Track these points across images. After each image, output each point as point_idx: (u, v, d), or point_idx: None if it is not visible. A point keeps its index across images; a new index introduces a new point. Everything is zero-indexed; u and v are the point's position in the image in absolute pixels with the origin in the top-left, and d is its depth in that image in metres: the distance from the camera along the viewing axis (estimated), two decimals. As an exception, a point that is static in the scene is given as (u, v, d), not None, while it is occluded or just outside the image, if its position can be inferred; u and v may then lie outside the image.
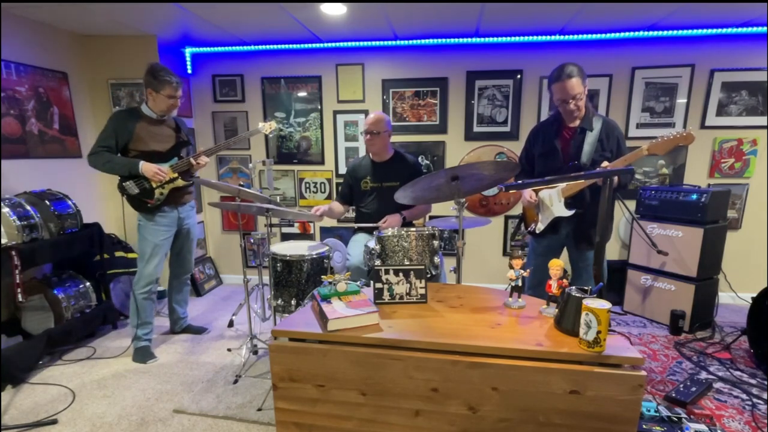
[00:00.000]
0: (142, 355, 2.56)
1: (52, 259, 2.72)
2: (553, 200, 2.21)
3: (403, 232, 2.13)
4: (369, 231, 2.51)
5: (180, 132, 2.64)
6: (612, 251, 3.60)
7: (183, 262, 2.81)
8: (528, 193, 2.27)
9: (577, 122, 2.17)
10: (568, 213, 2.15)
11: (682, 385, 2.14)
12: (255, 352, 2.51)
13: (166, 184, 2.50)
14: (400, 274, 1.56)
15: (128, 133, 2.43)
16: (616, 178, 2.02)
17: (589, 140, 2.12)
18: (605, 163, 2.01)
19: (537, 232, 2.30)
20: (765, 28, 3.04)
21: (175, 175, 2.52)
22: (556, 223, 2.24)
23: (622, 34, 3.21)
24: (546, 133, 2.27)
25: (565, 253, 2.40)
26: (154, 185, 2.46)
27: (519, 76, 3.38)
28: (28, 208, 2.46)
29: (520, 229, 2.49)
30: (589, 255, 2.25)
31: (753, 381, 2.26)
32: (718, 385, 2.23)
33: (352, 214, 2.88)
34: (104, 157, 2.40)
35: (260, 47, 3.54)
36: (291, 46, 3.52)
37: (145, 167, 2.41)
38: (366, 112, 3.60)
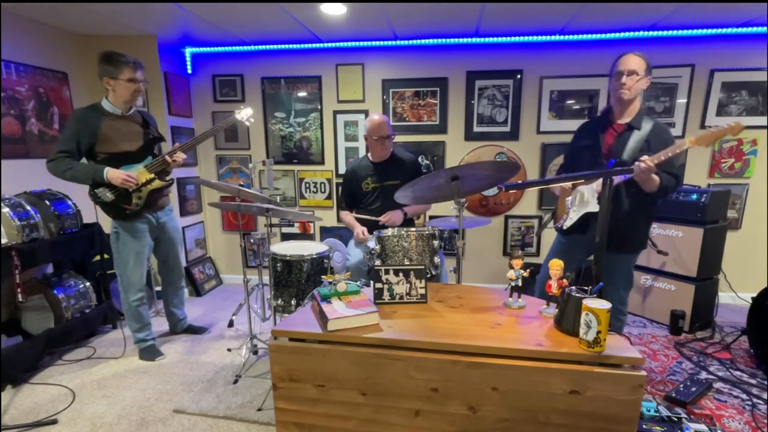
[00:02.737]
0: (150, 353, 2.56)
1: (52, 259, 2.72)
2: (587, 195, 2.08)
3: (403, 232, 2.13)
4: (369, 230, 2.51)
5: (149, 127, 2.42)
6: (612, 251, 3.59)
7: (172, 269, 2.71)
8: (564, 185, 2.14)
9: (627, 119, 2.03)
10: (598, 209, 1.99)
11: (682, 385, 2.14)
12: (255, 352, 2.51)
13: (143, 186, 2.30)
14: (400, 274, 1.56)
15: (92, 133, 2.20)
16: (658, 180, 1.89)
17: (635, 138, 1.99)
18: (645, 157, 1.84)
19: (564, 228, 2.17)
20: (765, 28, 3.04)
21: (152, 176, 2.31)
22: (585, 224, 2.10)
23: (622, 34, 3.20)
24: (593, 127, 2.16)
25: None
26: (129, 189, 2.27)
27: (519, 76, 3.38)
28: (28, 208, 2.45)
29: (548, 223, 2.40)
30: (617, 258, 2.06)
31: (753, 381, 2.26)
32: (718, 385, 2.23)
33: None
34: (65, 163, 2.16)
35: (260, 47, 3.54)
36: (291, 46, 3.52)
37: (112, 174, 2.18)
38: (366, 112, 3.60)
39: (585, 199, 2.09)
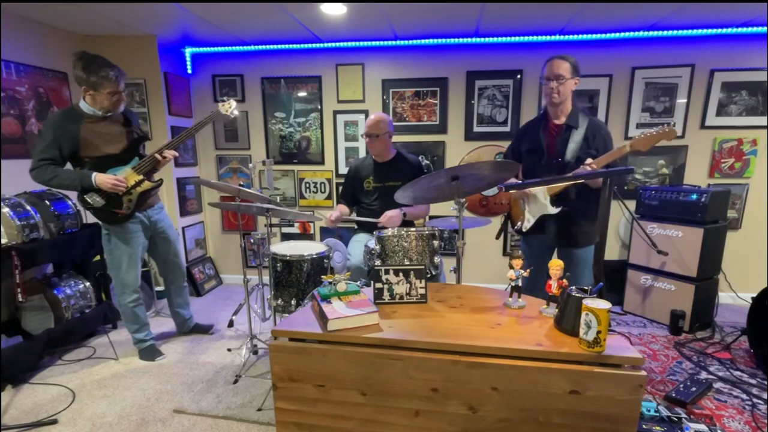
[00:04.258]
0: (150, 353, 2.56)
1: (52, 259, 2.72)
2: (538, 198, 2.19)
3: (403, 232, 2.13)
4: (369, 231, 2.51)
5: (131, 126, 2.34)
6: (612, 251, 3.60)
7: (172, 268, 2.66)
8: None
9: (563, 119, 2.17)
10: (554, 211, 2.13)
11: (682, 385, 2.14)
12: (255, 352, 2.51)
13: (133, 188, 2.26)
14: (400, 274, 1.56)
15: (72, 139, 2.13)
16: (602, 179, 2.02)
17: (575, 138, 2.12)
18: (589, 160, 2.00)
19: (524, 230, 2.27)
20: (765, 28, 3.04)
21: (141, 177, 2.26)
22: (544, 223, 2.22)
23: (622, 34, 3.20)
24: (533, 131, 2.27)
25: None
26: (119, 193, 2.23)
27: (519, 76, 3.38)
28: (28, 208, 2.46)
29: (506, 228, 2.46)
30: (577, 253, 2.21)
31: (753, 381, 2.26)
32: (718, 385, 2.23)
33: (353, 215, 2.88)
34: (49, 171, 2.10)
35: (260, 47, 3.54)
36: (291, 46, 3.52)
37: (100, 179, 2.12)
38: (366, 112, 3.60)
39: (540, 201, 2.20)
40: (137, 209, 2.35)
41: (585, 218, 2.17)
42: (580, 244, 2.20)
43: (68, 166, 2.26)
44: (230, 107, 2.41)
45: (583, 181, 2.04)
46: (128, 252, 2.38)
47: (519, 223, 2.31)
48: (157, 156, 2.28)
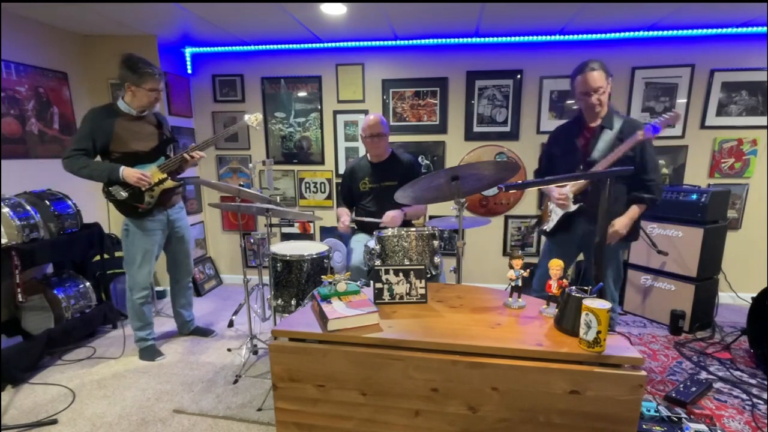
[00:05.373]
0: (150, 353, 2.57)
1: (52, 259, 2.72)
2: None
3: (403, 232, 2.13)
4: (369, 231, 2.51)
5: (162, 128, 2.48)
6: (612, 251, 3.59)
7: (180, 266, 2.72)
8: (556, 192, 2.16)
9: (598, 121, 2.11)
10: (573, 207, 2.10)
11: (682, 385, 2.14)
12: (255, 352, 2.51)
13: (156, 186, 2.35)
14: (400, 274, 1.56)
15: (106, 133, 2.25)
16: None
17: (606, 138, 2.06)
18: (602, 162, 1.97)
19: (547, 230, 2.25)
20: (765, 28, 3.04)
21: (164, 176, 2.37)
22: (569, 223, 2.17)
23: (622, 34, 3.20)
24: (567, 133, 2.22)
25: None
26: (142, 188, 2.32)
27: (519, 76, 3.38)
28: (28, 208, 2.46)
29: (536, 228, 2.45)
30: (606, 249, 2.15)
31: (753, 381, 2.26)
32: (718, 385, 2.23)
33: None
34: (80, 161, 2.23)
35: (260, 47, 3.54)
36: (291, 46, 3.52)
37: (127, 173, 2.24)
38: (366, 112, 3.60)
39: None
40: (158, 206, 2.42)
41: (615, 214, 2.10)
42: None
43: (97, 158, 2.35)
44: (256, 120, 2.56)
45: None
46: (143, 248, 2.43)
47: (545, 223, 2.28)
48: (186, 156, 2.37)
